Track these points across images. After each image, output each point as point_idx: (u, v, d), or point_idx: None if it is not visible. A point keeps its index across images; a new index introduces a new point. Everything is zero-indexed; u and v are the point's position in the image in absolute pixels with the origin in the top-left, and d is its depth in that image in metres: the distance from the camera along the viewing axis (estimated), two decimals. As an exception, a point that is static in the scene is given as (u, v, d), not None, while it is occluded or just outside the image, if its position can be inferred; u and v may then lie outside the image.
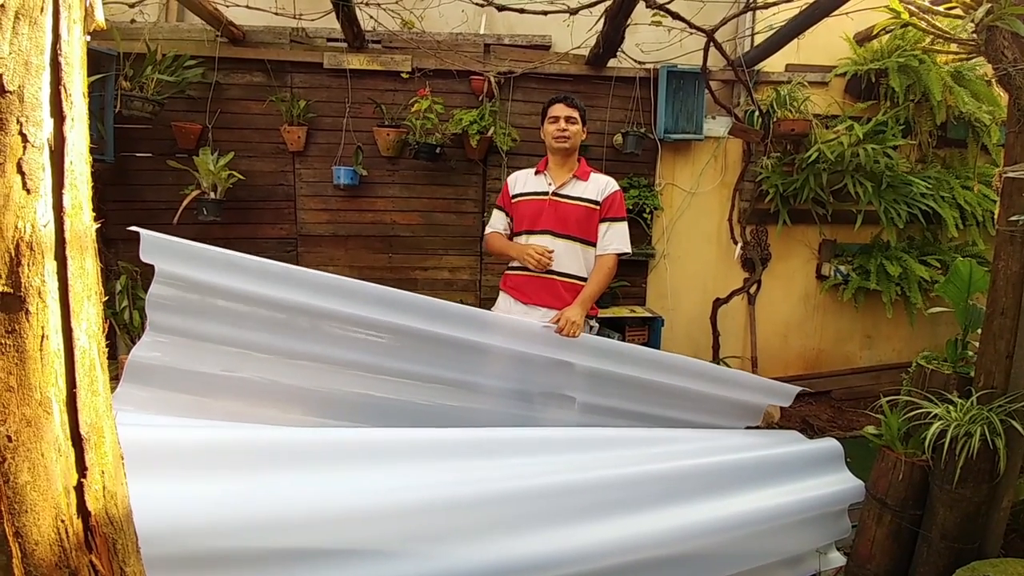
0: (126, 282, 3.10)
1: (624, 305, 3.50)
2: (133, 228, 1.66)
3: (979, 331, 2.03)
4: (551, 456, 1.79)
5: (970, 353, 2.09)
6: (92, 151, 2.58)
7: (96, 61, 2.93)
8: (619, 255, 2.32)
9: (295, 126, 3.22)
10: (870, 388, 3.87)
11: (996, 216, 1.88)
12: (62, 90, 0.66)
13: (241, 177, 3.10)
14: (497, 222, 2.47)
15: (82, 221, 0.70)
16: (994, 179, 1.89)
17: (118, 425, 1.37)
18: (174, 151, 3.17)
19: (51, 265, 0.64)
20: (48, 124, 0.64)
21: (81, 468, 0.68)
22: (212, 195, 3.08)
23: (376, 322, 1.95)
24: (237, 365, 1.88)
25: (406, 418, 2.02)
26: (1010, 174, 1.79)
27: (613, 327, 3.34)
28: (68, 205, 0.66)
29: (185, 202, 3.03)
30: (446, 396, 2.12)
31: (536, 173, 2.40)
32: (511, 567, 1.50)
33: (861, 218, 3.42)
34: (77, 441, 0.68)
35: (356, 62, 3.23)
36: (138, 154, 3.22)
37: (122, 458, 0.78)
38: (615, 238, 2.30)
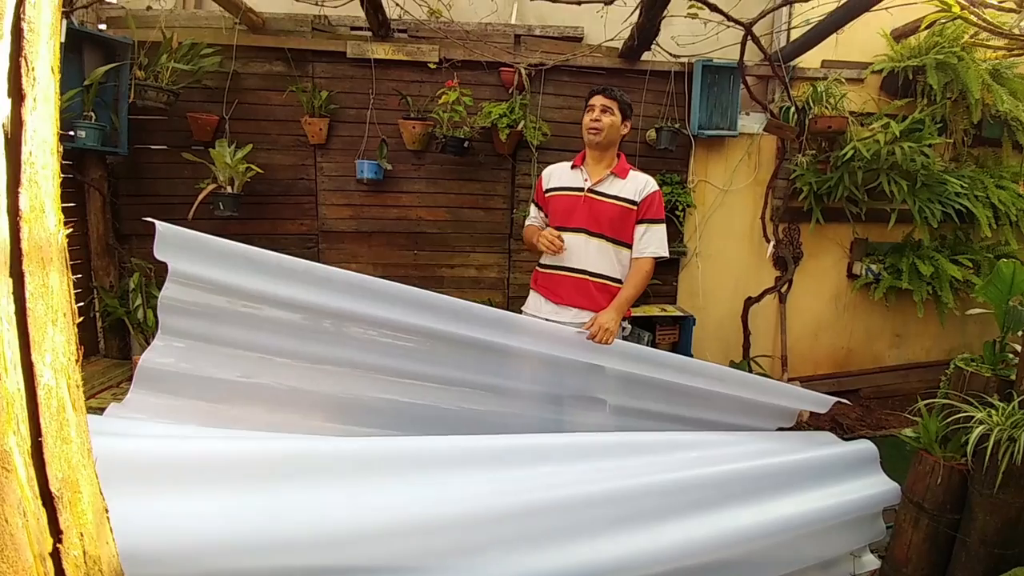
0: (139, 280, 3.15)
1: (655, 303, 3.62)
2: (148, 219, 1.67)
3: (1020, 333, 2.10)
4: (582, 464, 1.80)
5: (1010, 355, 2.14)
6: (106, 144, 2.70)
7: (111, 50, 2.96)
8: (656, 259, 2.33)
9: (316, 118, 3.27)
10: (898, 387, 4.08)
11: None
12: (23, 63, 0.56)
13: (260, 171, 3.13)
14: (533, 216, 2.53)
15: (45, 227, 0.60)
16: None
17: (129, 436, 1.42)
18: (190, 143, 3.20)
19: (4, 284, 0.55)
20: (3, 105, 0.55)
21: (55, 532, 0.60)
22: (229, 189, 3.13)
23: (402, 324, 1.96)
24: (255, 370, 1.90)
25: (432, 423, 2.05)
26: None
27: (644, 326, 3.47)
28: (25, 207, 0.56)
29: (200, 196, 3.07)
30: (474, 400, 2.15)
31: (572, 167, 2.41)
32: None
33: (895, 217, 3.57)
34: (48, 500, 0.59)
35: (381, 52, 3.28)
36: (152, 147, 3.25)
37: (106, 512, 0.69)
38: (653, 241, 2.32)
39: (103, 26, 3.14)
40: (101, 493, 0.69)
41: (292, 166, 3.40)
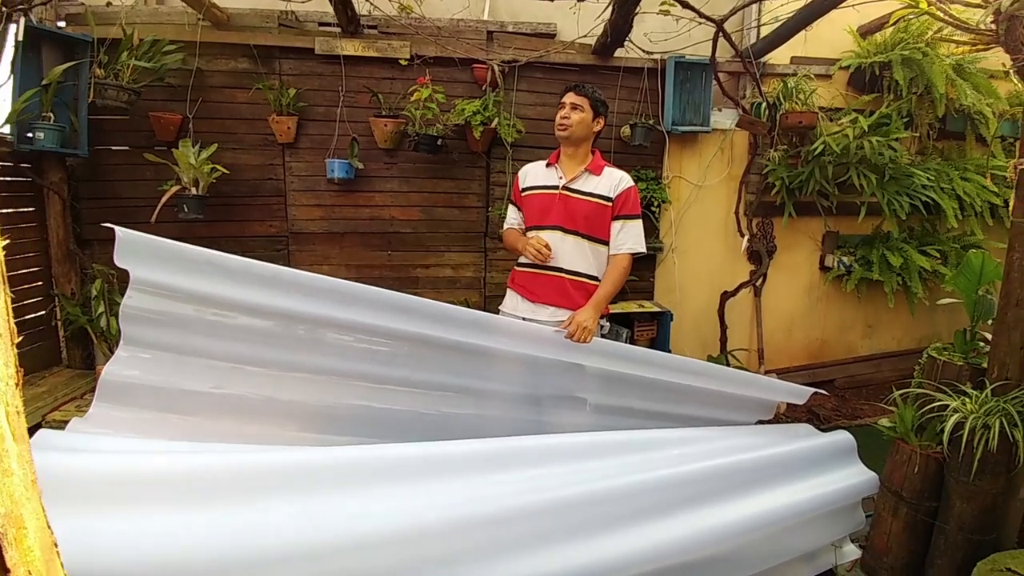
0: (101, 287, 3.06)
1: (632, 300, 3.64)
2: (107, 225, 1.63)
3: (989, 322, 2.14)
4: (564, 466, 1.80)
5: (980, 344, 2.20)
6: (66, 145, 2.63)
7: (70, 47, 2.86)
8: (633, 255, 2.34)
9: (284, 116, 3.21)
10: (871, 376, 4.19)
11: (1011, 207, 1.95)
12: None
13: (225, 171, 3.07)
14: (512, 218, 2.52)
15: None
16: (1008, 170, 1.99)
17: (92, 452, 1.37)
18: (152, 144, 3.11)
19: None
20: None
21: (2, 571, 0.57)
22: (194, 191, 3.05)
23: (377, 328, 1.94)
24: (227, 381, 1.86)
25: (410, 429, 2.03)
26: None
27: (622, 323, 3.50)
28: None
29: (164, 199, 2.99)
30: (452, 404, 2.14)
31: (547, 166, 2.42)
32: None
33: (865, 210, 3.67)
34: (-11, 539, 0.55)
35: (350, 48, 3.24)
36: (113, 147, 3.15)
37: (55, 547, 0.66)
38: (629, 237, 2.33)
39: (62, 24, 3.04)
40: (49, 527, 0.65)
41: (260, 166, 3.33)
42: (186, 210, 3.05)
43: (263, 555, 1.28)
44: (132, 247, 1.65)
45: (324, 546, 1.34)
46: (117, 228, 1.62)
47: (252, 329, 1.86)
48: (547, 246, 2.30)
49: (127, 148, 3.19)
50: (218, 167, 3.05)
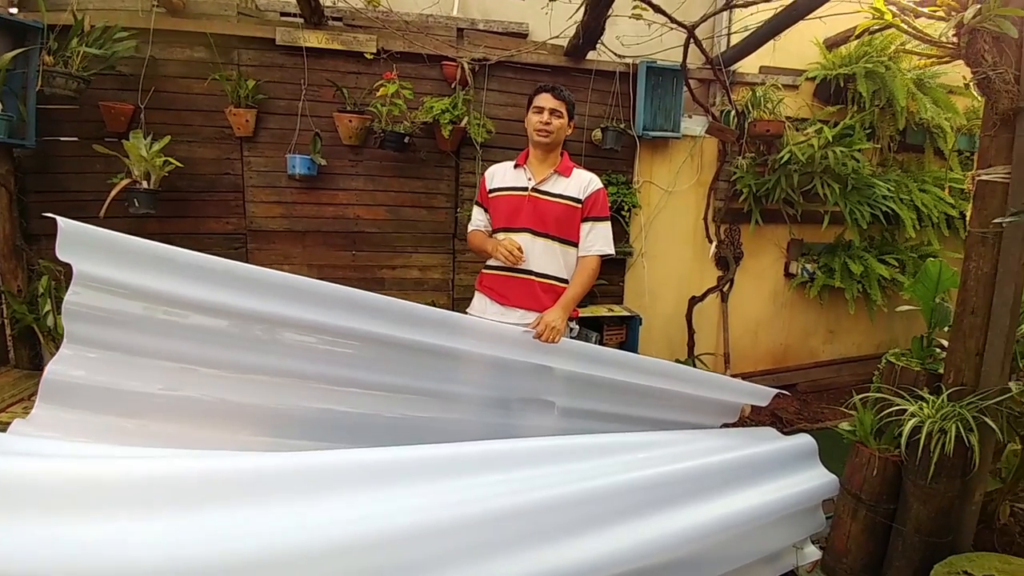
0: (48, 283, 2.90)
1: (602, 304, 3.65)
2: (50, 215, 1.57)
3: (945, 329, 2.20)
4: (531, 470, 1.78)
5: (937, 350, 2.26)
6: (13, 135, 2.48)
7: (20, 34, 2.69)
8: (602, 257, 2.35)
9: (243, 108, 3.08)
10: (832, 381, 4.31)
11: (968, 218, 2.01)
12: None
13: (179, 164, 2.93)
14: (478, 219, 2.50)
15: None
16: (966, 183, 2.04)
17: (33, 456, 1.30)
18: (102, 135, 2.95)
19: None
20: None
21: None
22: (145, 184, 2.90)
23: (339, 328, 1.89)
24: (178, 382, 1.80)
25: (373, 434, 1.99)
26: (983, 177, 1.94)
27: (591, 326, 3.50)
28: None
29: (113, 192, 2.84)
30: (416, 407, 2.12)
31: (516, 167, 2.41)
32: None
33: (828, 218, 3.77)
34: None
35: (314, 40, 3.13)
36: (62, 138, 2.97)
37: None
38: (598, 239, 2.34)
39: (14, 10, 2.86)
40: None
41: (216, 160, 3.20)
42: (137, 205, 2.90)
43: (219, 564, 1.22)
44: (76, 239, 1.58)
45: (287, 554, 1.29)
46: (60, 219, 1.55)
47: (205, 328, 1.79)
48: (520, 248, 2.28)
49: (76, 139, 3.01)
50: (171, 160, 2.92)
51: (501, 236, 2.36)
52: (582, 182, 2.35)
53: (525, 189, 2.34)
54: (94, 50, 2.78)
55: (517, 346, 2.14)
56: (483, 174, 2.53)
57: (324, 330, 1.91)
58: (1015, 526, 2.25)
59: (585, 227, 2.34)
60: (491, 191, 2.43)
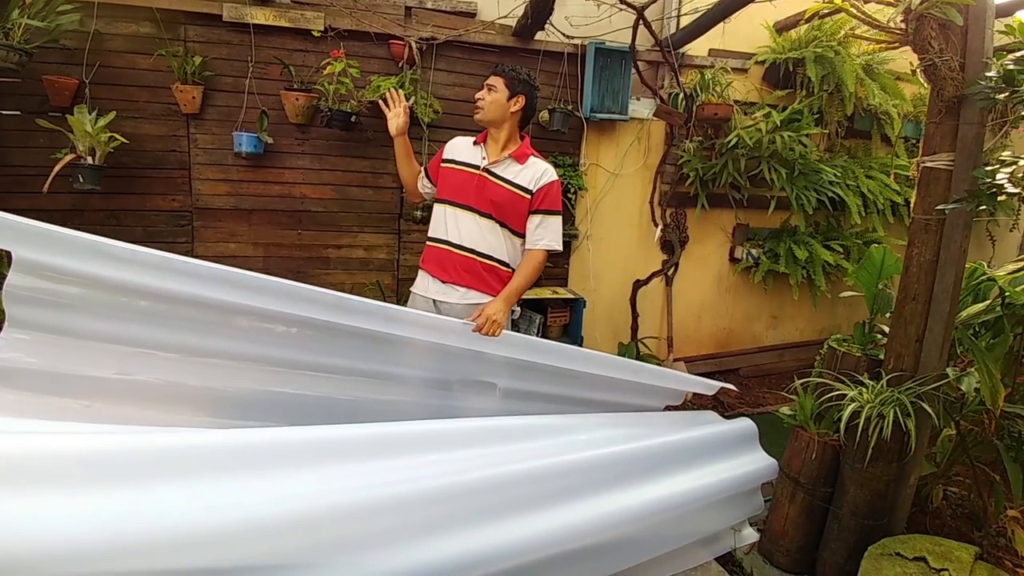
0: (-9, 265, 3.01)
1: (546, 286, 3.73)
2: None
3: (887, 315, 2.23)
4: (470, 450, 1.80)
5: (878, 336, 2.31)
6: None
7: None
8: (549, 251, 2.34)
9: (189, 85, 3.11)
10: (775, 365, 4.43)
11: (912, 205, 2.03)
12: None
13: (125, 141, 2.96)
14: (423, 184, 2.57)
15: None
16: (911, 169, 2.06)
17: None
18: (45, 109, 2.97)
19: None
20: None
21: None
22: (90, 160, 2.94)
23: (278, 314, 1.90)
24: (126, 365, 1.81)
25: (312, 414, 1.99)
26: (927, 164, 1.95)
27: (535, 309, 3.60)
28: None
29: (56, 167, 2.87)
30: (360, 388, 2.11)
31: (474, 143, 2.41)
32: (425, 573, 1.52)
33: (774, 203, 3.83)
34: None
35: (261, 17, 3.13)
36: (4, 112, 2.99)
37: None
38: (547, 233, 2.33)
39: None
40: None
41: (162, 137, 3.24)
42: (82, 180, 2.94)
43: (155, 540, 1.26)
44: (9, 230, 1.58)
45: (220, 531, 1.33)
46: None
47: (153, 312, 1.81)
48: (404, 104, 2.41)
49: (18, 113, 3.04)
50: (117, 136, 2.94)
51: (443, 209, 2.38)
52: (536, 173, 2.33)
53: (477, 167, 2.34)
54: (36, 22, 2.76)
55: (456, 336, 2.14)
56: (446, 143, 2.53)
57: (261, 315, 1.92)
58: (947, 509, 2.35)
59: (535, 219, 2.33)
60: (445, 160, 2.44)
